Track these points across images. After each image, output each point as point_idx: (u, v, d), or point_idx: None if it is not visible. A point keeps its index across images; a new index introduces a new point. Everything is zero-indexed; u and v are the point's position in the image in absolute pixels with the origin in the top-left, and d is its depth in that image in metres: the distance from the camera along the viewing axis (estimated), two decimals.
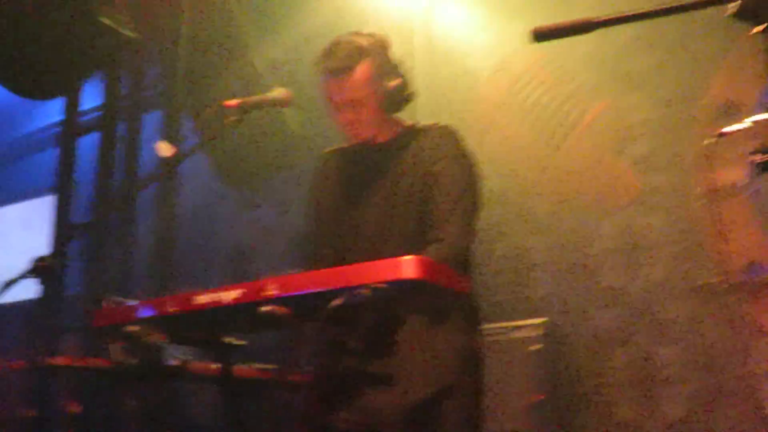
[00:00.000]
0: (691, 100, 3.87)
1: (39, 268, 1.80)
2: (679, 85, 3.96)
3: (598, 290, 4.02)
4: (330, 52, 2.19)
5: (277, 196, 5.41)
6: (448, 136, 2.24)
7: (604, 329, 3.95)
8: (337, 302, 1.50)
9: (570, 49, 4.36)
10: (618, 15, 1.25)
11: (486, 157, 4.59)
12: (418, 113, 4.68)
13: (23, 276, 1.88)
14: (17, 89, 3.13)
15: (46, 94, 3.50)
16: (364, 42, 2.21)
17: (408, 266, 1.53)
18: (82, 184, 3.99)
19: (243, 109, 2.07)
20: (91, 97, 4.47)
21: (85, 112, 4.43)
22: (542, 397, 3.31)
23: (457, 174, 2.16)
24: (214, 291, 1.79)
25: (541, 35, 1.26)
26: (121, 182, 3.67)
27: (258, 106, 2.11)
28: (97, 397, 2.76)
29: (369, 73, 2.19)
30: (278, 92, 2.17)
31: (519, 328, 3.66)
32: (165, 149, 1.95)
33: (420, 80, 5.12)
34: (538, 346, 3.46)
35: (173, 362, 2.15)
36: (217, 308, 1.77)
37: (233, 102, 2.05)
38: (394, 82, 2.22)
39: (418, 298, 1.62)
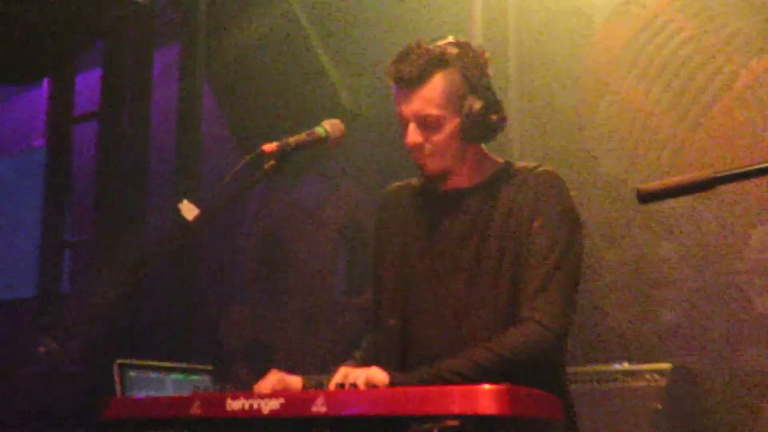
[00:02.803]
0: None
1: (45, 356, 2.04)
2: None
3: (747, 318, 4.12)
4: (403, 55, 2.37)
5: (320, 172, 5.61)
6: (551, 184, 2.37)
7: (754, 372, 4.06)
8: None
9: None
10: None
11: (599, 131, 4.73)
12: (511, 64, 4.80)
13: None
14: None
15: (34, 77, 3.73)
16: (448, 49, 2.37)
17: (486, 398, 1.70)
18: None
19: (283, 153, 2.25)
20: None
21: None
22: None
23: (559, 235, 2.31)
24: (250, 396, 2.01)
25: (648, 197, 1.39)
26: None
27: (302, 147, 2.29)
28: None
29: (447, 88, 2.35)
30: (329, 126, 2.33)
31: (636, 373, 3.80)
32: (189, 210, 2.15)
33: (516, 20, 5.20)
34: (660, 406, 3.61)
35: None
36: (253, 419, 1.99)
37: (271, 146, 2.23)
38: (478, 105, 2.35)
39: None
